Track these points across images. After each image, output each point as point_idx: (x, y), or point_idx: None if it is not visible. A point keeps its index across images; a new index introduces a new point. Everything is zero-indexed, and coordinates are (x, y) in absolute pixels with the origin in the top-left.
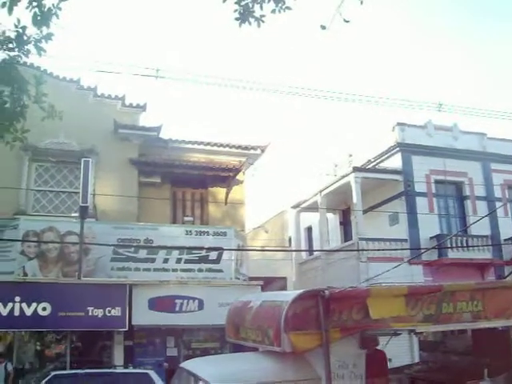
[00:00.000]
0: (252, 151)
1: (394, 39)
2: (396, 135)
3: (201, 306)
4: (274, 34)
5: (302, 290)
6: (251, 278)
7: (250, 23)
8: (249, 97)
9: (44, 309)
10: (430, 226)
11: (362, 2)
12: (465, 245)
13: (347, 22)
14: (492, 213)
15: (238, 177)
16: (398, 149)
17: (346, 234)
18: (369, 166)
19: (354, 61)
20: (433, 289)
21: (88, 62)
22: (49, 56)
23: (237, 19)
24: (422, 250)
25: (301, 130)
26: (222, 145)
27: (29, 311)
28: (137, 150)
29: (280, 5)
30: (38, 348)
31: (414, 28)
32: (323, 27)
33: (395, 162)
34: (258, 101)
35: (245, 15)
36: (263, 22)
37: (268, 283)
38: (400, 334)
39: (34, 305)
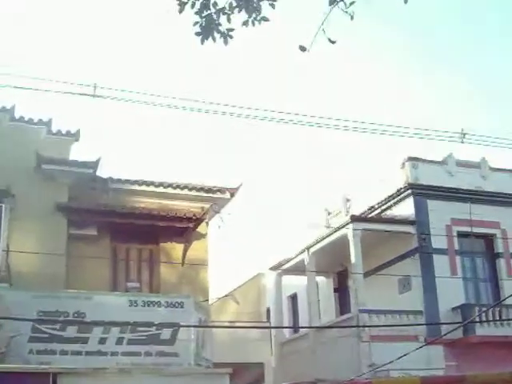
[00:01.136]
0: (218, 195)
1: (395, 58)
2: (407, 174)
3: None
4: (246, 51)
5: None
6: (216, 365)
7: (214, 39)
8: (216, 125)
9: None
10: (452, 293)
11: (352, 17)
12: (498, 318)
13: (333, 42)
14: None
15: (199, 229)
16: (409, 192)
17: (343, 305)
18: (371, 215)
19: (349, 82)
20: (453, 380)
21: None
22: None
23: (198, 34)
24: (443, 326)
25: (283, 168)
26: (178, 186)
27: None
28: (66, 191)
29: (254, 15)
30: None
31: (419, 43)
32: (303, 49)
33: (406, 208)
34: (226, 130)
35: (208, 29)
36: (231, 37)
37: (239, 371)
38: None
39: None
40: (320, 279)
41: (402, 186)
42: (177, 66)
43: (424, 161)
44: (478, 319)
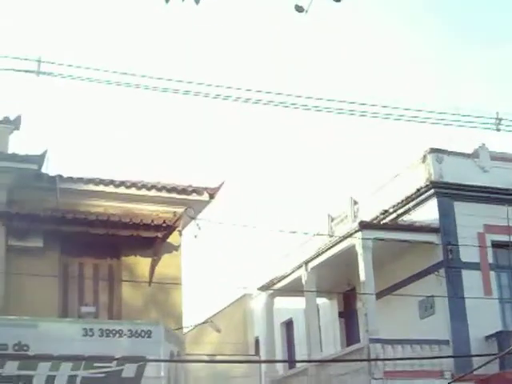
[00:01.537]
0: (194, 197)
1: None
2: (429, 170)
3: None
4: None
5: None
6: None
7: None
8: (195, 111)
9: None
10: (485, 317)
11: None
12: None
13: (338, 1)
14: None
15: (170, 239)
16: (432, 192)
17: (350, 333)
18: (385, 221)
19: (350, 56)
20: None
21: None
22: None
23: None
24: (475, 359)
25: (277, 165)
26: (144, 186)
27: None
28: (4, 193)
29: None
30: None
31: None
32: (300, 9)
33: (428, 213)
34: (208, 118)
35: None
36: None
37: None
38: None
39: None
40: (321, 301)
41: (423, 185)
42: (143, 36)
43: (450, 153)
44: None
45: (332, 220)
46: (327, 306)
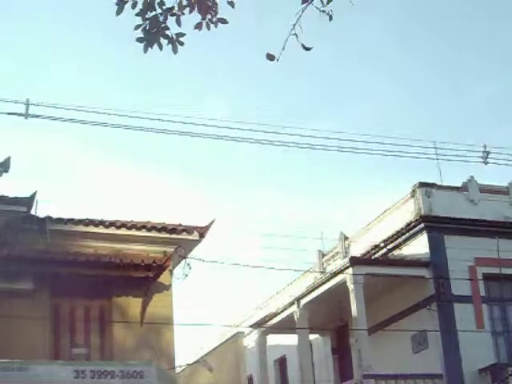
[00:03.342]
0: (184, 236)
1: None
2: (419, 204)
3: None
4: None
5: None
6: None
7: (160, 47)
8: (187, 149)
9: None
10: (478, 350)
11: (331, 18)
12: None
13: (307, 49)
14: None
15: (161, 279)
16: (422, 226)
17: (343, 369)
18: (376, 256)
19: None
20: None
21: None
22: None
23: (140, 40)
24: None
25: (266, 202)
26: (134, 226)
27: None
28: None
29: (209, 16)
30: None
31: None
32: (271, 57)
33: (418, 247)
34: (198, 156)
35: (153, 34)
36: (181, 44)
37: None
38: None
39: None
40: (314, 338)
41: (413, 220)
42: (125, 79)
43: (439, 187)
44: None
45: (323, 256)
46: (320, 343)
